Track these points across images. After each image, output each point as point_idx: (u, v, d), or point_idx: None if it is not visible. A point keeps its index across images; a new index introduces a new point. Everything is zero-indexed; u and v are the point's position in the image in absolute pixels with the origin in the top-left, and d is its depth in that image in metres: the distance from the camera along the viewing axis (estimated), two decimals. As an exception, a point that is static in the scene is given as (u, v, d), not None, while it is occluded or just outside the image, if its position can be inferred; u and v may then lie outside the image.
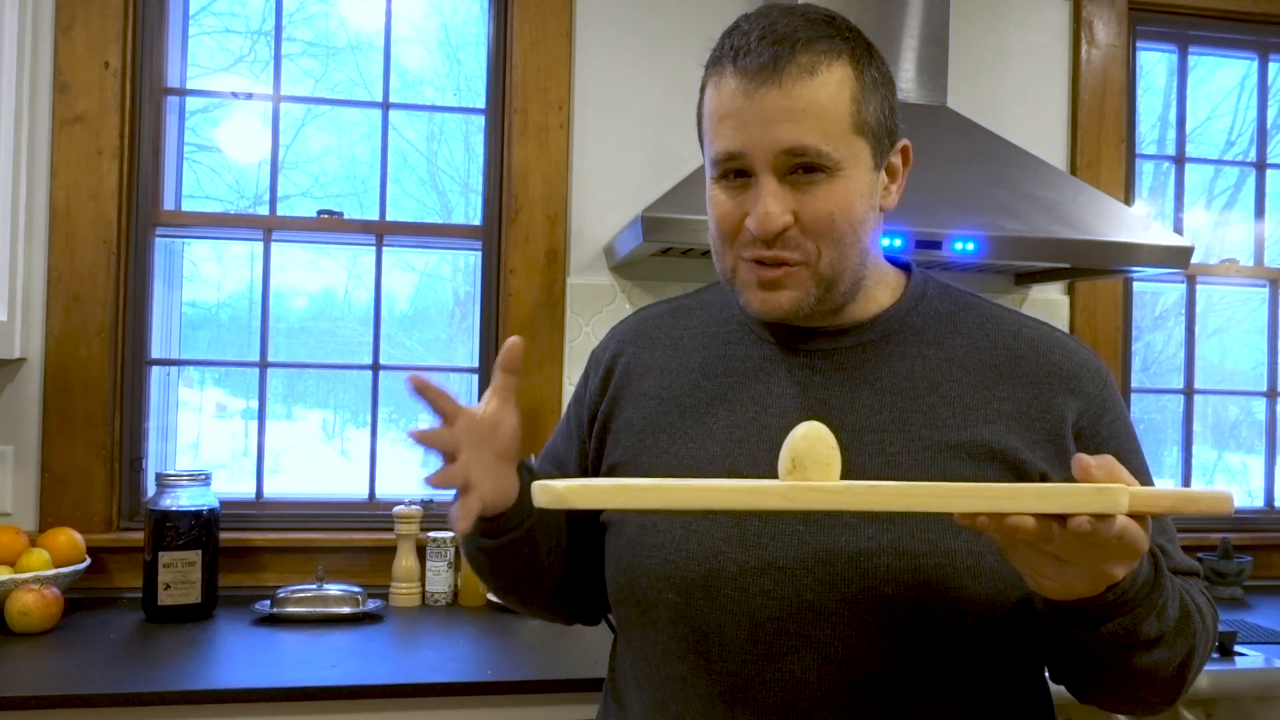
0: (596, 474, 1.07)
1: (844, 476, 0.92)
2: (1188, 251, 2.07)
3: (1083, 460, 0.74)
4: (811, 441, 0.74)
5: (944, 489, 0.71)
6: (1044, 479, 0.92)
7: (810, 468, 0.73)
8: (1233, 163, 2.81)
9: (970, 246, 1.93)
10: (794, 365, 0.99)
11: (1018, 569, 0.80)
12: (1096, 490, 0.70)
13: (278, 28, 2.32)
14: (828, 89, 0.89)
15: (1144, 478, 0.98)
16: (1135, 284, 2.66)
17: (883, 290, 1.02)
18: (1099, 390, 0.98)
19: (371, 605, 2.03)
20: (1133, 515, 0.73)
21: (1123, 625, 0.81)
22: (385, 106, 2.37)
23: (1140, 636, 0.82)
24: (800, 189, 0.91)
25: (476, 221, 2.39)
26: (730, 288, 0.99)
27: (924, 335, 1.00)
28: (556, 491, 0.72)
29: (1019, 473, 0.92)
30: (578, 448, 1.11)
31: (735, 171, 0.93)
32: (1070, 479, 0.89)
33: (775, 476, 0.93)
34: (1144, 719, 0.93)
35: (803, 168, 0.90)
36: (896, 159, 0.99)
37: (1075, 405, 0.96)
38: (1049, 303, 2.54)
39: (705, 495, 0.72)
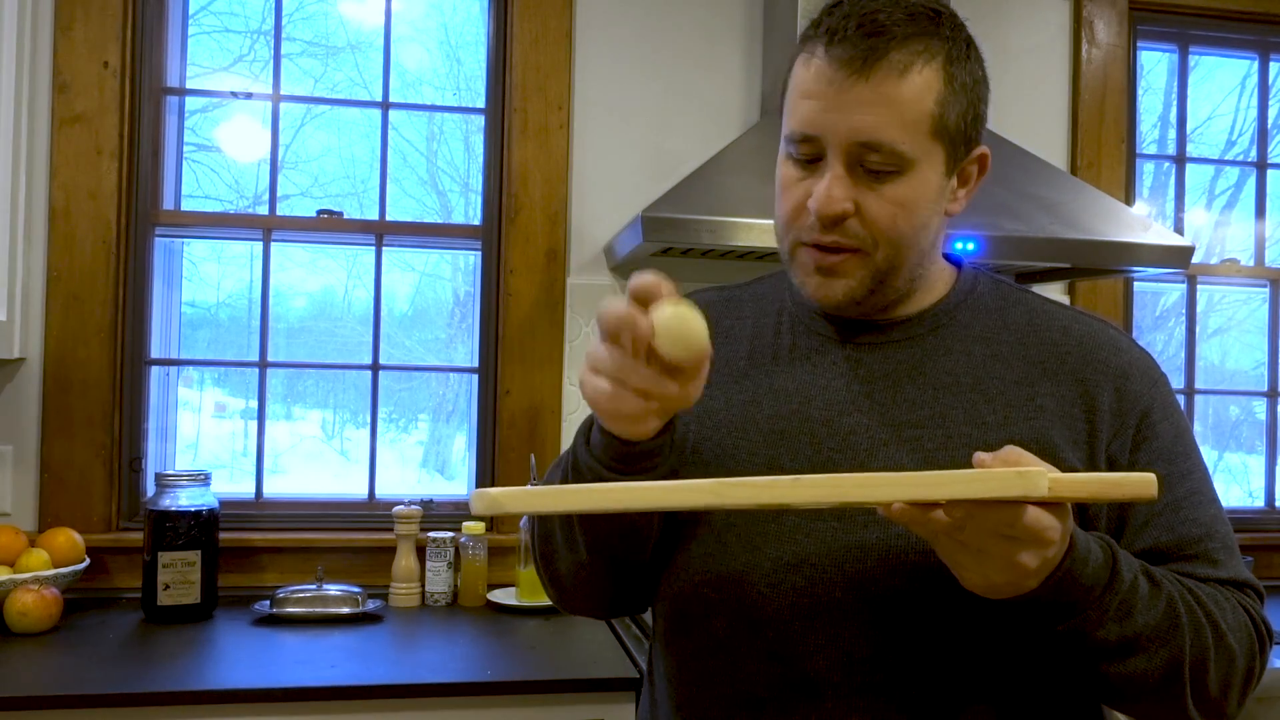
0: None
1: (882, 470, 0.92)
2: (1188, 251, 2.07)
3: (979, 458, 0.75)
4: (676, 316, 0.77)
5: (871, 479, 0.72)
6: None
7: (666, 340, 0.76)
8: (1233, 162, 2.81)
9: (970, 246, 1.93)
10: (840, 358, 0.99)
11: (946, 563, 0.80)
12: (1017, 474, 0.70)
13: (277, 27, 2.32)
14: (913, 89, 0.89)
15: (1191, 481, 0.95)
16: (1136, 284, 2.65)
17: (936, 286, 1.02)
18: (1147, 389, 0.97)
19: (371, 605, 2.02)
20: (1049, 505, 0.74)
21: (1072, 626, 0.81)
22: (385, 106, 2.36)
23: (1097, 640, 0.82)
24: (867, 182, 0.91)
25: (476, 221, 2.39)
26: (790, 271, 0.99)
27: (971, 330, 0.99)
28: (491, 497, 0.74)
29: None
30: None
31: (808, 153, 0.93)
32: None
33: (816, 471, 0.93)
34: None
35: (874, 161, 0.90)
36: (971, 166, 0.98)
37: (1117, 404, 0.95)
38: (1049, 303, 2.54)
39: (636, 496, 0.74)
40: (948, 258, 1.06)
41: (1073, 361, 0.97)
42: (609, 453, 0.85)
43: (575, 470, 0.89)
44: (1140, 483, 0.72)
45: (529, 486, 0.76)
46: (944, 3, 0.94)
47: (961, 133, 0.94)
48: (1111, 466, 0.94)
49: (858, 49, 0.88)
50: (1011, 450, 0.75)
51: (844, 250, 0.93)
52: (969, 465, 0.91)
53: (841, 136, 0.89)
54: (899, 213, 0.91)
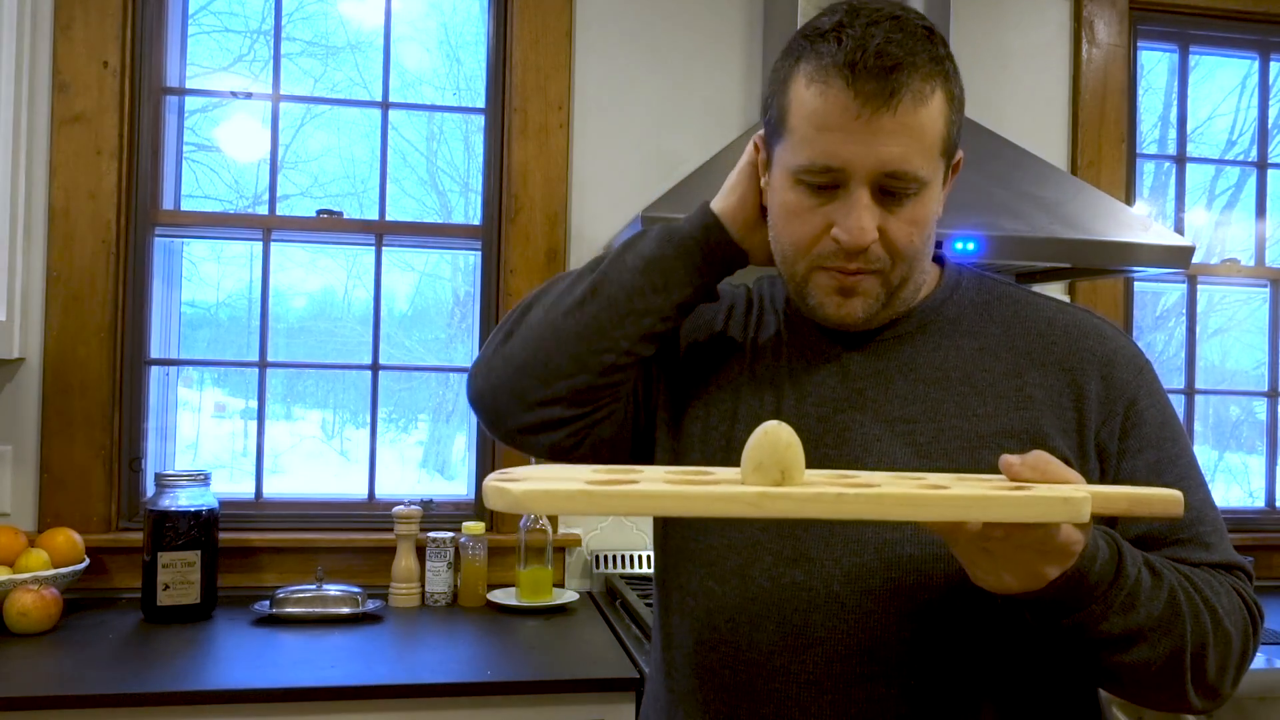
0: (646, 403, 1.07)
1: (877, 466, 0.93)
2: (1189, 251, 2.07)
3: (1006, 460, 0.76)
4: (772, 440, 0.72)
5: (915, 497, 0.71)
6: (1066, 465, 0.93)
7: (769, 468, 0.72)
8: (1234, 162, 2.81)
9: (970, 246, 1.93)
10: (832, 355, 1.01)
11: (958, 558, 0.81)
12: (1062, 500, 0.71)
13: (277, 27, 2.32)
14: (930, 115, 0.90)
15: (1179, 466, 0.97)
16: (1136, 284, 2.65)
17: (923, 285, 1.03)
18: (1133, 376, 0.98)
19: (371, 605, 2.02)
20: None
21: (1077, 620, 0.82)
22: (385, 106, 2.36)
23: (1101, 633, 0.83)
24: (887, 206, 0.92)
25: (476, 221, 2.39)
26: (798, 292, 0.98)
27: (959, 325, 1.01)
28: (513, 496, 0.68)
29: None
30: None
31: (826, 182, 0.92)
32: (1094, 468, 0.92)
33: (814, 467, 0.93)
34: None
35: (894, 187, 0.91)
36: (948, 170, 1.00)
37: (1104, 391, 0.97)
38: (1049, 303, 2.54)
39: (670, 502, 0.70)
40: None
41: (1059, 351, 0.98)
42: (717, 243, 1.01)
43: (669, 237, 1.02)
44: (1166, 500, 0.75)
45: (535, 465, 0.73)
46: (922, 15, 0.95)
47: (953, 142, 0.96)
48: (1101, 453, 0.96)
49: (882, 83, 0.87)
50: (1040, 456, 0.76)
51: (863, 271, 0.94)
52: (961, 458, 0.93)
53: (870, 168, 0.90)
54: (914, 230, 0.93)
